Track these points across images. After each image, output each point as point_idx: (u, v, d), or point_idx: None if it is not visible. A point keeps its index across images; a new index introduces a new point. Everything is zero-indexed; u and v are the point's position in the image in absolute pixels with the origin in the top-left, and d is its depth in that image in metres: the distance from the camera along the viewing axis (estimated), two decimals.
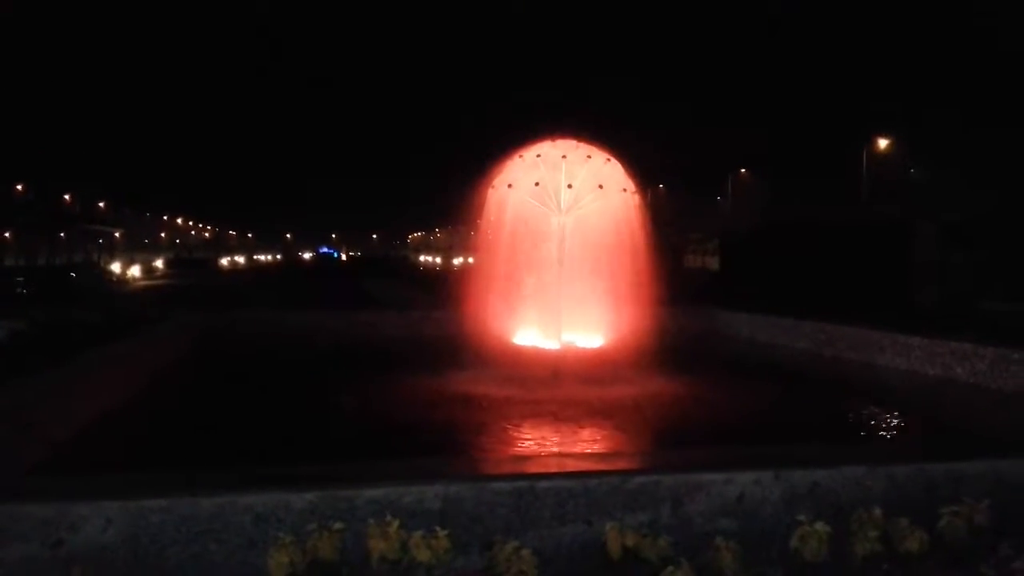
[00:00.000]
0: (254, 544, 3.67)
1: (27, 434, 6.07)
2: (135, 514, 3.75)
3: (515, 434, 7.63)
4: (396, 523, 3.47)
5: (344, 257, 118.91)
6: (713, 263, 44.16)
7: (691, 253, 55.75)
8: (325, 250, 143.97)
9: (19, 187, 65.96)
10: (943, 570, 3.43)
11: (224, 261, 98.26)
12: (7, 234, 65.77)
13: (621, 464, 4.69)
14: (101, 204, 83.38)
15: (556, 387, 9.32)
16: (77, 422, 7.07)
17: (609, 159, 10.85)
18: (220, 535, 3.76)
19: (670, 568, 3.32)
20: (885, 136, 47.18)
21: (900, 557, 3.60)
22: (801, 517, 3.73)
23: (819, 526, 3.60)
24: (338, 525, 3.49)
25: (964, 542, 3.82)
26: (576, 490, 4.04)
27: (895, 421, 8.53)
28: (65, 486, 4.09)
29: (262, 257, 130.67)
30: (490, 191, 10.70)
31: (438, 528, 3.54)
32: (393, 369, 10.34)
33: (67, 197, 74.21)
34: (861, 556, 3.61)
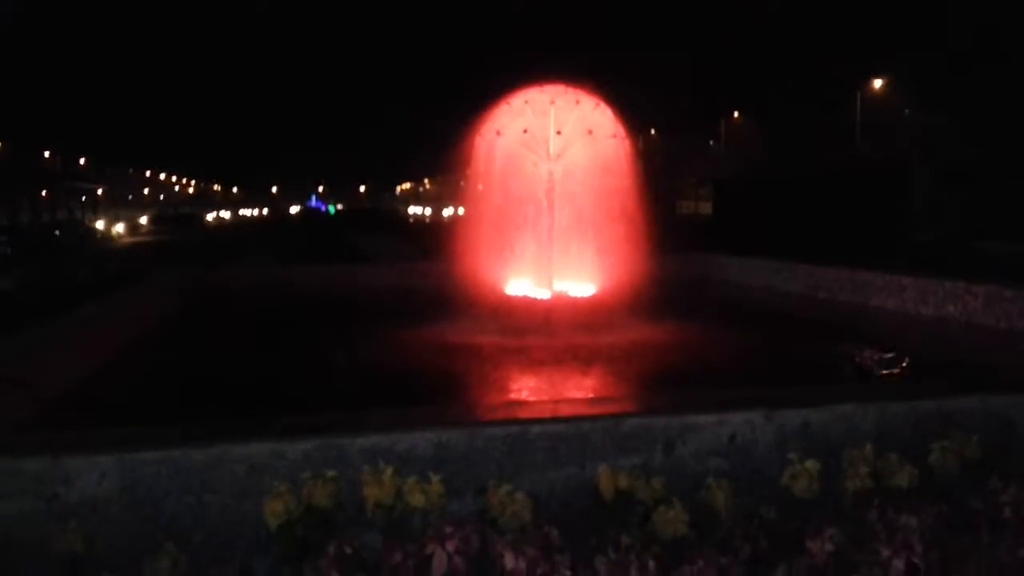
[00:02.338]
0: (249, 494, 3.68)
1: (17, 392, 6.06)
2: (129, 467, 3.75)
3: (507, 382, 7.66)
4: (390, 470, 3.48)
5: (335, 211, 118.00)
6: (706, 208, 44.10)
7: (684, 199, 55.65)
8: (315, 204, 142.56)
9: None
10: (933, 504, 3.46)
11: (210, 217, 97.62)
12: None
13: (613, 408, 4.71)
14: (82, 161, 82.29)
15: (548, 335, 9.34)
16: (67, 379, 7.06)
17: (598, 104, 10.74)
18: (215, 486, 3.77)
19: (662, 507, 3.35)
20: (879, 76, 46.84)
21: (890, 492, 3.64)
22: (792, 456, 3.76)
23: (809, 464, 3.63)
24: (332, 473, 3.50)
25: (954, 477, 3.86)
26: (569, 434, 4.05)
27: (887, 360, 8.59)
28: (59, 441, 4.09)
29: (248, 212, 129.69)
30: (478, 139, 10.60)
31: (432, 474, 3.55)
32: (384, 321, 10.33)
33: (47, 154, 73.17)
34: (852, 492, 3.64)
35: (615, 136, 10.69)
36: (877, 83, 47.50)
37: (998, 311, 8.93)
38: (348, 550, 3.14)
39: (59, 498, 3.67)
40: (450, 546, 3.02)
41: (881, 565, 3.04)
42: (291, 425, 4.09)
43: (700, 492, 3.61)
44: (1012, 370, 7.12)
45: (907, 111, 44.47)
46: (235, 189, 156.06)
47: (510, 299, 10.27)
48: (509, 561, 2.99)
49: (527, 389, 7.37)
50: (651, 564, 2.96)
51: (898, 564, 3.06)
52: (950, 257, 16.36)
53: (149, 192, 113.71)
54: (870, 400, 4.46)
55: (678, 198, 53.97)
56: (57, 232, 40.60)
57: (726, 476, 3.79)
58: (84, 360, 7.71)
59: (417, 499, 3.40)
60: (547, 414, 4.41)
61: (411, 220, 79.67)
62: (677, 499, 3.46)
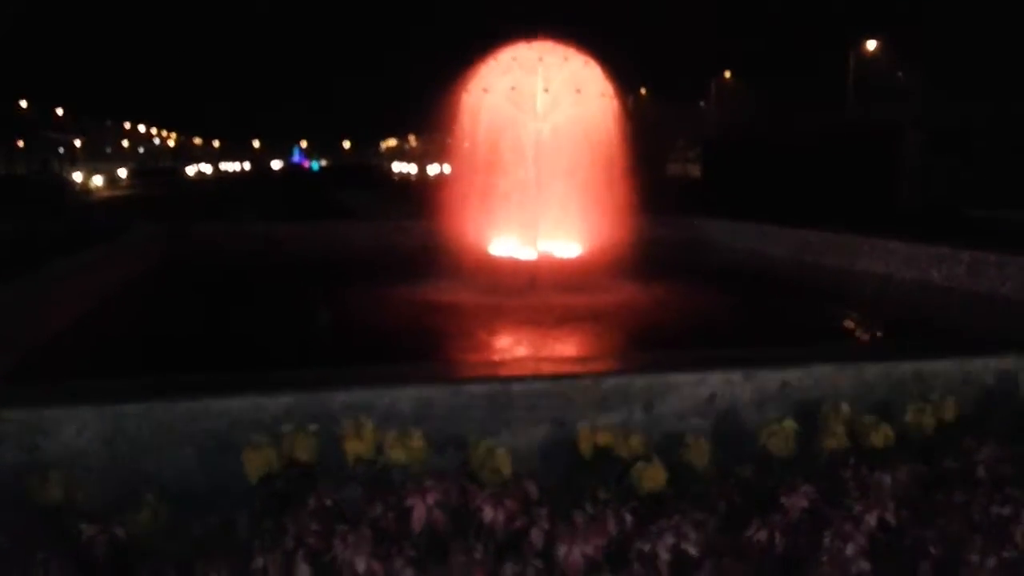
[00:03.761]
0: (230, 447, 3.69)
1: None
2: (110, 419, 3.76)
3: (490, 341, 7.68)
4: (371, 424, 3.50)
5: (319, 168, 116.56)
6: (695, 171, 44.01)
7: (673, 160, 55.45)
8: (298, 159, 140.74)
9: None
10: (907, 463, 3.51)
11: (190, 171, 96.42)
12: None
13: (594, 367, 4.73)
14: (59, 111, 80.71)
15: (532, 296, 9.35)
16: (45, 332, 7.02)
17: (588, 62, 10.64)
18: (196, 439, 3.78)
19: (640, 463, 3.39)
20: (872, 38, 46.56)
21: (866, 452, 3.69)
22: (770, 415, 3.80)
23: (787, 423, 3.67)
24: (313, 427, 3.51)
25: (929, 437, 3.92)
26: (549, 392, 4.08)
27: (868, 323, 8.67)
28: (39, 392, 4.08)
29: (230, 167, 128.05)
30: (464, 96, 10.50)
31: (413, 430, 3.57)
32: (367, 279, 10.31)
33: (23, 103, 71.72)
34: (828, 451, 3.69)
35: (604, 95, 10.61)
36: (870, 44, 47.22)
37: (982, 276, 9.00)
38: (328, 502, 3.16)
39: (39, 449, 3.68)
40: (430, 499, 3.04)
41: (854, 521, 3.09)
42: (272, 380, 4.10)
43: (678, 450, 3.65)
44: (990, 334, 7.20)
45: (900, 74, 44.34)
46: (216, 143, 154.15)
47: (495, 259, 10.26)
48: (488, 514, 3.02)
49: (509, 348, 7.40)
50: (628, 518, 3.00)
51: (870, 520, 3.11)
52: (938, 222, 16.43)
53: (128, 145, 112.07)
54: (848, 361, 4.51)
55: (667, 160, 53.77)
56: (32, 184, 39.96)
57: (705, 434, 3.84)
58: (61, 314, 7.66)
59: (398, 454, 3.42)
60: (528, 372, 4.43)
61: (396, 177, 79.16)
62: (655, 456, 3.49)
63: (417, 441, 3.46)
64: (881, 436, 3.73)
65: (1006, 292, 8.62)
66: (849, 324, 8.75)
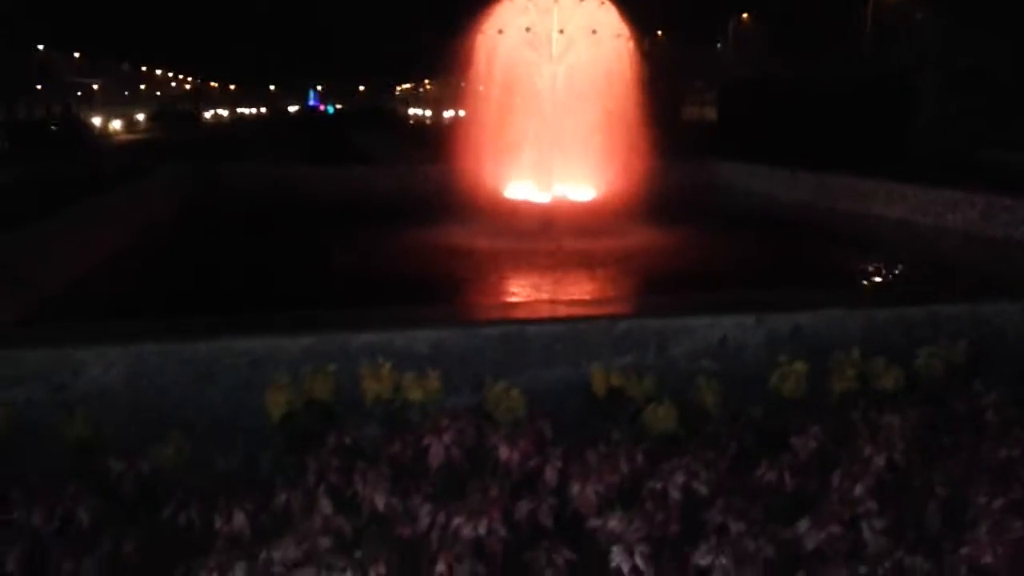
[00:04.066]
0: (251, 386, 3.77)
1: (18, 286, 6.13)
2: (135, 358, 3.84)
3: (505, 284, 7.73)
4: (388, 365, 3.57)
5: (334, 111, 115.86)
6: (711, 114, 43.35)
7: (689, 103, 54.67)
8: (313, 102, 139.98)
9: None
10: (917, 406, 3.56)
11: (208, 115, 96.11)
12: None
13: (609, 309, 4.78)
14: (77, 55, 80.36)
15: (548, 239, 9.35)
16: (69, 274, 7.12)
17: (603, 2, 10.48)
18: (218, 377, 3.87)
19: (652, 404, 3.45)
20: None
21: (876, 394, 3.73)
22: (782, 358, 3.84)
23: (798, 365, 3.71)
24: (332, 367, 3.58)
25: (939, 381, 3.95)
26: (564, 334, 4.13)
27: (881, 267, 8.65)
28: (65, 332, 4.17)
29: (246, 111, 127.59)
30: (479, 38, 10.38)
31: (430, 369, 3.64)
32: (384, 224, 10.33)
33: (40, 47, 71.41)
34: (838, 393, 3.74)
35: (620, 36, 10.46)
36: None
37: (995, 221, 8.96)
38: (348, 440, 3.24)
39: (67, 387, 3.77)
40: (447, 438, 3.12)
41: (862, 462, 3.14)
42: (293, 320, 4.17)
43: (690, 391, 3.70)
44: (1002, 278, 7.19)
45: (919, 15, 43.30)
46: (233, 87, 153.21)
47: (510, 202, 10.25)
48: (503, 452, 3.09)
49: (525, 291, 7.44)
50: (639, 457, 3.07)
51: (879, 461, 3.16)
52: (955, 166, 16.23)
53: (146, 88, 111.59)
54: (859, 305, 4.54)
55: (683, 103, 53.00)
56: (53, 126, 39.96)
57: (716, 376, 3.88)
58: (86, 256, 7.76)
59: (415, 393, 3.50)
60: (544, 315, 4.49)
61: (411, 122, 78.57)
62: (667, 397, 3.55)
63: (434, 381, 3.52)
64: (891, 379, 3.77)
65: (1020, 236, 8.58)
66: (862, 268, 8.74)
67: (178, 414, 3.80)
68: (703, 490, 2.98)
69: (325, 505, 2.84)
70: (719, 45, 61.85)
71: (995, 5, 32.37)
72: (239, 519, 2.78)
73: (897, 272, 8.44)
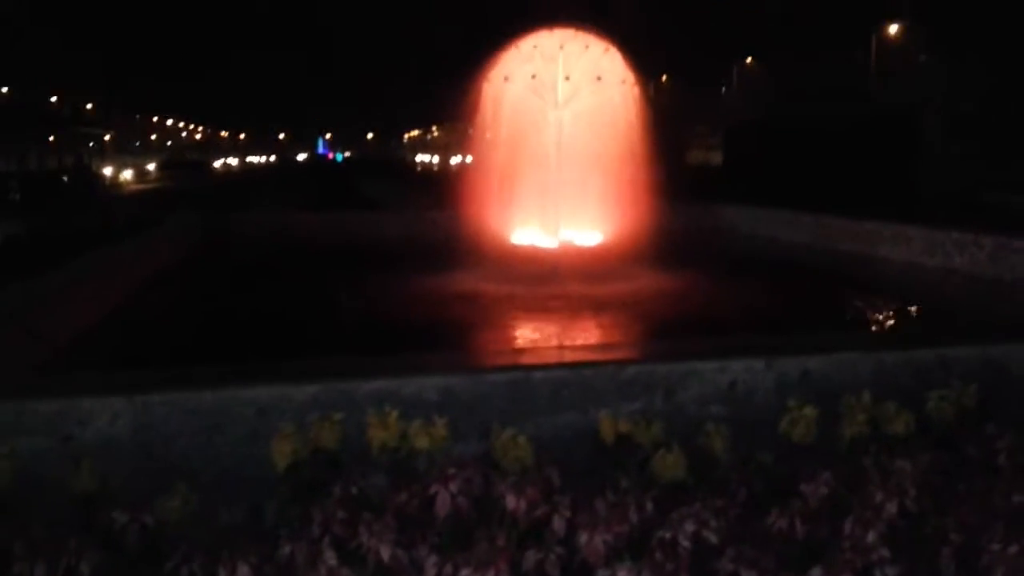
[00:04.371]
0: (257, 435, 3.76)
1: (30, 336, 6.15)
2: (141, 408, 3.84)
3: (513, 329, 7.73)
4: (395, 413, 3.55)
5: (343, 159, 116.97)
6: (716, 158, 43.62)
7: (694, 147, 55.06)
8: (323, 150, 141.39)
9: (4, 90, 64.50)
10: (928, 450, 3.51)
11: (217, 164, 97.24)
12: None
13: (616, 354, 4.77)
14: (89, 106, 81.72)
15: (555, 284, 9.37)
16: (79, 324, 7.15)
17: (608, 49, 10.62)
18: (224, 427, 3.85)
19: (661, 451, 3.42)
20: (895, 21, 45.94)
21: (887, 439, 3.69)
22: (791, 403, 3.81)
23: (808, 410, 3.68)
24: (339, 416, 3.57)
25: (950, 424, 3.91)
26: (571, 379, 4.12)
27: (889, 309, 8.62)
28: (73, 383, 4.18)
29: (255, 159, 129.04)
30: (486, 85, 10.52)
31: (437, 417, 3.62)
32: (392, 269, 10.37)
33: (54, 99, 72.67)
34: (849, 438, 3.70)
35: (624, 82, 10.59)
36: (893, 28, 46.62)
37: (1004, 263, 8.93)
38: (354, 490, 3.21)
39: (74, 438, 3.77)
40: (453, 487, 3.09)
41: (875, 509, 3.10)
42: (299, 369, 4.16)
43: (699, 437, 3.67)
44: (1013, 320, 7.15)
45: (923, 57, 43.72)
46: (242, 136, 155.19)
47: (517, 248, 10.29)
48: (510, 502, 3.06)
49: (532, 336, 7.44)
50: (648, 506, 3.03)
51: (891, 508, 3.11)
52: (960, 208, 16.25)
53: (156, 138, 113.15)
54: (869, 348, 4.51)
55: (688, 147, 53.39)
56: (65, 178, 40.43)
57: (725, 422, 3.85)
58: (95, 307, 7.79)
59: (422, 441, 3.47)
60: (551, 360, 4.48)
61: (419, 168, 79.25)
62: (676, 444, 3.52)
63: (441, 429, 3.51)
64: (902, 423, 3.73)
65: None
66: (870, 310, 8.71)
67: (184, 464, 3.78)
68: (713, 539, 2.93)
69: (330, 557, 2.81)
70: (724, 89, 62.45)
71: (995, 51, 32.72)
72: (243, 572, 2.74)
73: (905, 314, 8.41)
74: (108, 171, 59.00)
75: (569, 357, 4.65)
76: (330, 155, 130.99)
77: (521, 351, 6.48)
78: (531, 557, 2.84)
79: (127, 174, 61.37)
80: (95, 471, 3.36)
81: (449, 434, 3.54)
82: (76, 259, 8.37)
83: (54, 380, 4.66)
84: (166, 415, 3.84)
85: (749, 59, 59.43)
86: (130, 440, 3.80)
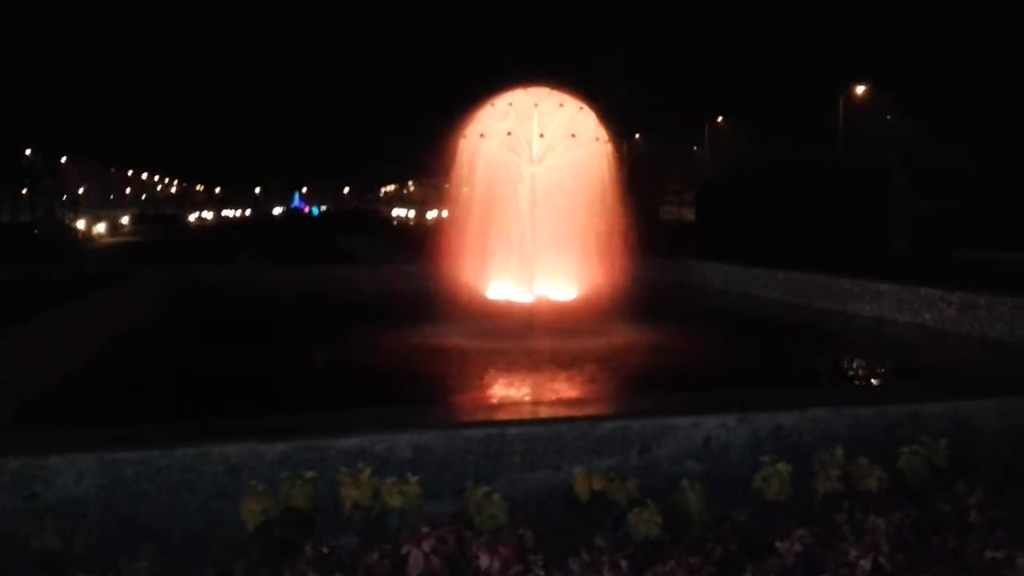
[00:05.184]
0: (227, 494, 3.70)
1: (2, 391, 6.05)
2: (109, 466, 3.77)
3: (487, 385, 7.70)
4: (368, 470, 3.52)
5: (319, 213, 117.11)
6: (689, 214, 44.25)
7: (667, 204, 55.81)
8: (298, 204, 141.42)
9: None
10: (901, 507, 3.53)
11: (192, 217, 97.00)
12: None
13: (591, 410, 4.77)
14: (63, 159, 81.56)
15: (530, 339, 9.38)
16: (48, 379, 7.04)
17: (582, 107, 10.80)
18: (193, 485, 3.79)
19: (636, 509, 3.40)
20: (862, 83, 47.24)
21: (860, 495, 3.70)
22: (765, 459, 3.82)
23: (781, 466, 3.69)
24: (310, 474, 3.53)
25: (922, 480, 3.93)
26: (545, 436, 4.10)
27: (861, 365, 8.70)
28: (38, 440, 4.10)
29: (231, 213, 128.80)
30: (461, 141, 10.63)
31: (410, 475, 3.59)
32: (366, 323, 10.35)
33: (27, 152, 72.46)
34: (822, 495, 3.71)
35: (598, 140, 10.75)
36: (859, 89, 47.88)
37: (971, 319, 9.06)
38: (325, 550, 3.16)
39: (38, 497, 3.68)
40: (426, 546, 3.05)
41: (849, 565, 3.10)
42: (270, 426, 4.12)
43: (674, 494, 3.66)
44: (980, 376, 7.24)
45: (889, 117, 44.87)
46: (217, 190, 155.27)
47: (493, 302, 10.31)
48: (484, 561, 3.03)
49: (506, 392, 7.41)
50: (623, 564, 3.01)
51: (865, 564, 3.12)
52: (928, 264, 16.53)
53: (131, 191, 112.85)
54: (842, 404, 4.55)
55: (661, 203, 54.10)
56: (36, 231, 40.11)
57: (700, 478, 3.85)
58: (65, 359, 7.68)
59: (395, 500, 3.44)
60: (525, 416, 4.47)
61: (395, 222, 79.50)
62: (651, 501, 3.51)
63: (414, 487, 3.47)
64: (875, 479, 3.75)
65: (996, 334, 8.67)
66: (842, 366, 8.79)
67: (152, 523, 3.71)
68: None
69: None
70: (696, 147, 63.59)
71: (960, 113, 33.69)
72: None
73: (875, 370, 8.49)
74: (81, 224, 58.65)
75: (544, 413, 4.65)
76: (306, 209, 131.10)
77: (496, 407, 6.46)
78: None
79: (100, 227, 61.05)
80: (59, 530, 3.29)
81: (422, 492, 3.51)
82: (44, 313, 8.26)
83: (18, 437, 4.57)
84: (134, 473, 3.77)
85: (720, 118, 60.68)
86: (96, 498, 3.73)
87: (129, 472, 3.77)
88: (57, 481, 3.71)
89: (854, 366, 8.77)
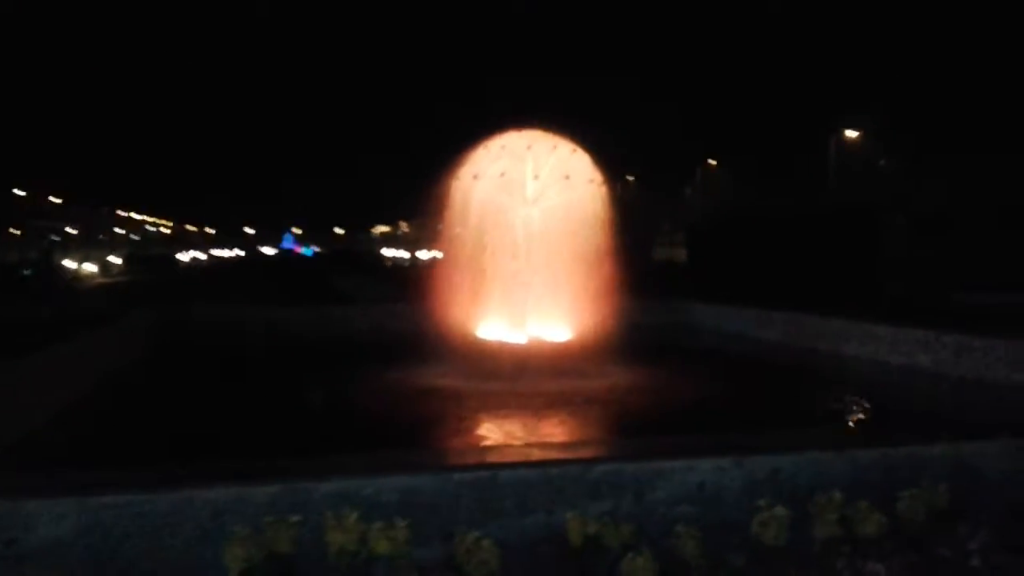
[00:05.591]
0: (211, 538, 3.60)
1: None
2: (91, 511, 3.68)
3: (479, 426, 7.60)
4: (354, 515, 3.43)
5: (313, 253, 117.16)
6: (681, 255, 44.30)
7: (659, 245, 56.00)
8: (289, 244, 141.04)
9: None
10: (901, 552, 3.45)
11: (183, 257, 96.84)
12: None
13: (584, 453, 4.69)
14: (54, 199, 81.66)
15: (522, 380, 9.29)
16: (33, 421, 6.92)
17: (575, 149, 10.83)
18: (177, 529, 3.69)
19: (631, 554, 3.32)
20: (854, 127, 47.73)
21: (859, 540, 3.63)
22: (762, 503, 3.75)
23: (779, 511, 3.61)
24: (295, 518, 3.44)
25: (922, 524, 3.86)
26: (538, 480, 4.02)
27: (858, 408, 8.62)
28: (18, 484, 4.00)
29: (222, 253, 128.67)
30: (455, 183, 10.64)
31: (398, 520, 3.50)
32: (359, 364, 10.25)
33: (17, 192, 72.56)
34: (821, 540, 3.63)
35: (592, 181, 10.76)
36: (851, 134, 48.37)
37: (967, 361, 9.01)
38: None
39: (17, 542, 3.58)
40: None
41: None
42: (256, 469, 4.03)
43: (669, 539, 3.58)
44: (978, 419, 7.17)
45: (882, 161, 45.28)
46: (209, 230, 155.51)
47: (486, 343, 10.23)
48: None
49: (498, 434, 7.31)
50: None
51: None
52: (923, 306, 16.50)
53: (123, 232, 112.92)
54: (840, 447, 4.47)
55: (654, 244, 54.28)
56: (26, 272, 39.90)
57: (696, 522, 3.77)
58: (50, 402, 7.57)
59: (382, 545, 3.35)
60: (517, 459, 4.38)
61: (388, 263, 79.42)
62: (646, 546, 3.43)
63: (402, 532, 3.38)
64: (874, 524, 3.67)
65: (992, 376, 8.61)
66: (834, 408, 8.70)
67: (134, 568, 3.60)
68: None
69: None
70: (688, 189, 64.09)
71: (950, 158, 34.02)
72: None
73: (872, 412, 8.41)
74: (72, 264, 58.45)
75: (536, 456, 4.56)
76: (297, 249, 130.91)
77: (487, 449, 6.35)
78: None
79: (92, 267, 60.84)
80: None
81: (410, 537, 3.42)
82: (30, 355, 8.11)
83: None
84: (115, 517, 3.67)
85: (712, 161, 61.25)
86: (77, 543, 3.63)
87: (111, 516, 3.67)
88: (37, 526, 3.62)
89: (851, 408, 8.69)
